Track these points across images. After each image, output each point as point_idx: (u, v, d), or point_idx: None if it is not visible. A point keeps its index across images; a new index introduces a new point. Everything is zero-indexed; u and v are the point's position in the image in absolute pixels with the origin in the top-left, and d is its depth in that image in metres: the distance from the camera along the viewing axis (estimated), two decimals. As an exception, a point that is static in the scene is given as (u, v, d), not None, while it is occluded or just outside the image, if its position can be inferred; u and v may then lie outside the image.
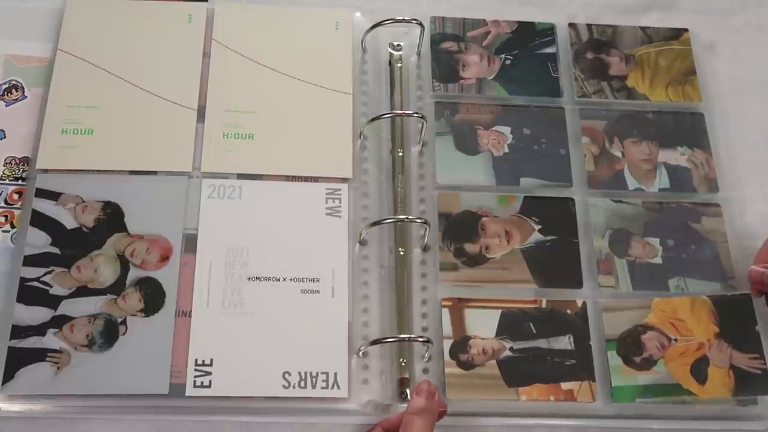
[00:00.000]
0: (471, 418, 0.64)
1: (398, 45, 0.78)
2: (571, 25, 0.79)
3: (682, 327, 0.67)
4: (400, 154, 0.72)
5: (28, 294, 0.64)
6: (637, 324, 0.67)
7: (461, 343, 0.65)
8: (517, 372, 0.65)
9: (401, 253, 0.69)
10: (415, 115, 0.71)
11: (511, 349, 0.66)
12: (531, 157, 0.73)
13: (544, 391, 0.64)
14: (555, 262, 0.69)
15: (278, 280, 0.66)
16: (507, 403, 0.64)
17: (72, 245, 0.66)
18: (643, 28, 0.80)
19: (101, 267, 0.65)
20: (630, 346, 0.66)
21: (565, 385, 0.65)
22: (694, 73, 0.78)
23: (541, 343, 0.66)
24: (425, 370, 0.65)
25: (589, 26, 0.80)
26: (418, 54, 0.77)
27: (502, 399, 0.64)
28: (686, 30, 0.80)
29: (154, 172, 0.69)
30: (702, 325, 0.67)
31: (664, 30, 0.80)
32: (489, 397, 0.64)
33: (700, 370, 0.65)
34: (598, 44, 0.79)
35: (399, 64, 0.77)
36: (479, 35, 0.78)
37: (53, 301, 0.64)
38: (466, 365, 0.65)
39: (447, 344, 0.65)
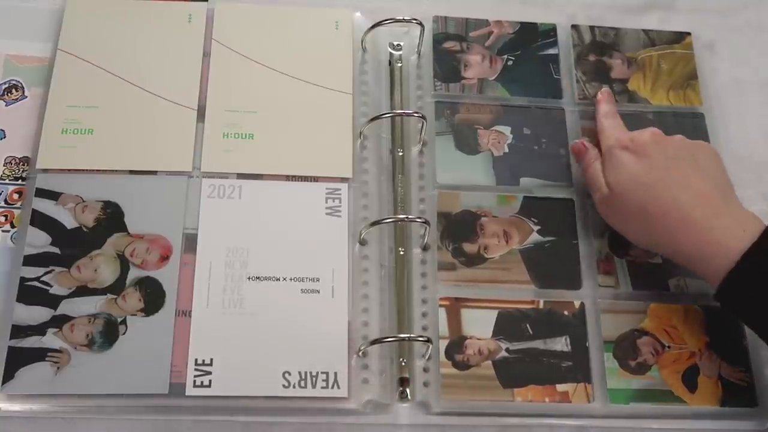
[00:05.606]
0: (465, 418, 0.64)
1: (398, 45, 0.77)
2: (574, 27, 0.79)
3: (676, 335, 0.67)
4: (400, 153, 0.72)
5: (28, 294, 0.64)
6: (634, 328, 0.67)
7: (457, 343, 0.65)
8: (513, 373, 0.64)
9: (401, 252, 0.69)
10: (415, 114, 0.71)
11: (507, 350, 0.65)
12: (531, 157, 0.73)
13: (539, 392, 0.64)
14: (554, 263, 0.69)
15: (278, 279, 0.66)
16: (501, 404, 0.64)
17: (72, 245, 0.66)
18: (646, 31, 0.80)
19: (101, 267, 0.65)
20: (626, 350, 0.66)
21: (561, 387, 0.64)
22: (696, 78, 0.78)
23: (538, 344, 0.66)
24: (425, 370, 0.65)
25: (591, 28, 0.79)
26: (418, 54, 0.77)
27: (496, 400, 0.64)
28: (689, 33, 0.80)
29: (154, 172, 0.69)
30: (694, 334, 0.67)
31: (666, 33, 0.80)
32: (483, 398, 0.64)
33: (690, 378, 0.65)
34: (600, 46, 0.79)
35: (399, 64, 0.77)
36: (482, 35, 0.78)
37: (53, 301, 0.64)
38: (462, 366, 0.64)
39: (443, 344, 0.65)
